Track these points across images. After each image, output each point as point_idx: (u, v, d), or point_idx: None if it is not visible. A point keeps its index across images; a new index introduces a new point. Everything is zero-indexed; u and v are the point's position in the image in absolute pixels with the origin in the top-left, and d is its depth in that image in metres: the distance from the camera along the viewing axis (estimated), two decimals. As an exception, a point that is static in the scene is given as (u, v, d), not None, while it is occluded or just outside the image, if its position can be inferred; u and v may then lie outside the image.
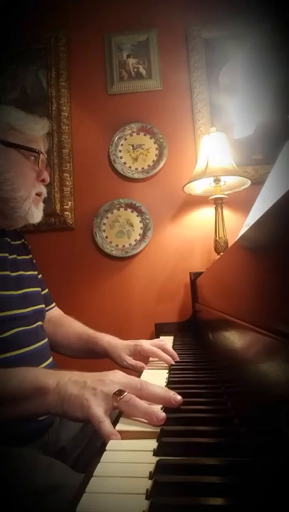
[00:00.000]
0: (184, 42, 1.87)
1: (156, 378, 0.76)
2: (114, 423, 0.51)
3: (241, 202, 1.69)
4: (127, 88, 1.87)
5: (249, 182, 1.60)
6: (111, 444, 0.46)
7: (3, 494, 0.58)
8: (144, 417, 0.51)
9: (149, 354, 0.90)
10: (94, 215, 1.79)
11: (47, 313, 1.03)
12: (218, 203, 1.59)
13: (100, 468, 0.40)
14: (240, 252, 0.51)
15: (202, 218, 1.77)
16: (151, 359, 0.94)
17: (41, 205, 0.91)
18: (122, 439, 0.48)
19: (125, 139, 1.85)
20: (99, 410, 0.51)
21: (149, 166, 1.82)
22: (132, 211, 1.80)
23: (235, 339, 0.54)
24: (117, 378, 0.56)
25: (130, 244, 1.78)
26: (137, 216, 1.80)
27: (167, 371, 0.83)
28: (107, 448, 0.45)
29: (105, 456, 0.43)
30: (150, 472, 0.38)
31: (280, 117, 1.74)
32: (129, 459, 0.42)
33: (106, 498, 0.35)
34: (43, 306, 0.97)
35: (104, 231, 1.80)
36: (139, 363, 0.89)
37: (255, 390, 0.40)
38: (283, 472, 0.30)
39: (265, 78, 1.77)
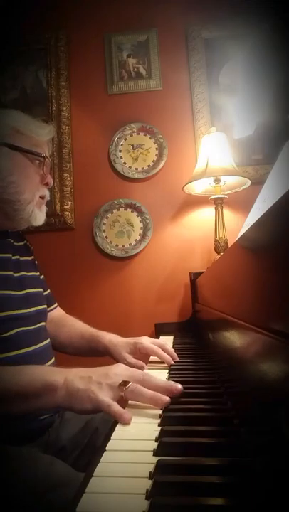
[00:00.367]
0: (184, 42, 1.87)
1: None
2: (111, 429, 0.52)
3: (241, 202, 1.69)
4: (127, 88, 1.87)
5: (249, 182, 1.60)
6: (111, 444, 0.46)
7: (4, 493, 0.58)
8: (150, 402, 0.55)
9: (148, 352, 0.90)
10: (94, 215, 1.79)
11: (49, 313, 1.04)
12: (218, 203, 1.59)
13: (100, 468, 0.40)
14: (240, 252, 0.51)
15: (202, 218, 1.77)
16: (151, 358, 0.94)
17: (44, 208, 0.93)
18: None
19: (125, 139, 1.85)
20: (106, 398, 0.54)
21: (149, 166, 1.82)
22: (132, 211, 1.80)
23: (235, 339, 0.54)
24: (120, 371, 0.59)
25: (130, 244, 1.78)
26: (137, 216, 1.80)
27: (167, 371, 0.83)
28: (107, 448, 0.45)
29: (105, 456, 0.43)
30: (150, 472, 0.38)
31: (280, 117, 1.74)
32: (129, 459, 0.42)
33: (106, 498, 0.35)
34: (45, 306, 0.97)
35: (104, 231, 1.80)
36: (139, 362, 0.89)
37: (255, 390, 0.40)
38: (283, 472, 0.30)
39: (265, 78, 1.77)
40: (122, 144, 1.85)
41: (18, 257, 0.92)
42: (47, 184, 0.91)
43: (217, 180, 1.57)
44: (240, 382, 0.50)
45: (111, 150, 1.83)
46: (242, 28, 1.80)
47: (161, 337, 1.38)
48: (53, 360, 0.91)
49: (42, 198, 0.91)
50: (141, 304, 1.75)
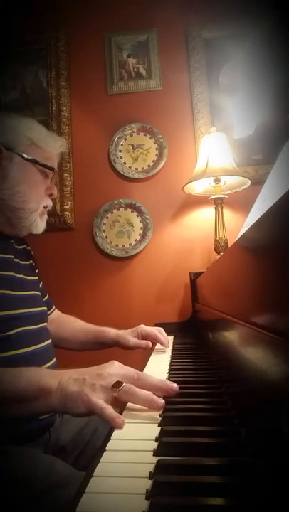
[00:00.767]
0: (184, 42, 1.87)
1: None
2: (111, 429, 0.52)
3: (241, 202, 1.69)
4: (127, 88, 1.87)
5: (249, 182, 1.60)
6: (111, 444, 0.46)
7: (4, 493, 0.58)
8: (144, 404, 0.54)
9: (148, 333, 1.06)
10: (94, 215, 1.79)
11: (49, 316, 1.07)
12: (218, 203, 1.59)
13: (100, 468, 0.40)
14: (240, 252, 0.51)
15: (202, 218, 1.77)
16: (156, 348, 1.09)
17: (45, 217, 0.95)
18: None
19: (125, 139, 1.85)
20: (99, 401, 0.53)
21: (149, 166, 1.82)
22: (132, 211, 1.80)
23: (235, 339, 0.54)
24: (114, 370, 0.58)
25: (130, 244, 1.78)
26: (137, 216, 1.80)
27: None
28: (107, 448, 0.45)
29: (105, 456, 0.43)
30: (150, 472, 0.38)
31: (280, 117, 1.74)
32: (129, 459, 0.42)
33: (106, 498, 0.35)
34: (45, 308, 0.99)
35: (104, 231, 1.80)
36: (144, 341, 1.03)
37: (255, 389, 0.40)
38: (283, 472, 0.30)
39: (265, 78, 1.77)
40: (122, 144, 1.85)
41: (18, 260, 0.94)
42: (51, 195, 0.94)
43: (217, 180, 1.57)
44: (240, 382, 0.50)
45: (111, 150, 1.83)
46: (242, 28, 1.80)
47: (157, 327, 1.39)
48: (54, 360, 0.92)
49: (45, 207, 0.94)
50: (141, 303, 1.75)
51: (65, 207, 1.80)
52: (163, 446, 0.43)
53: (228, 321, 0.60)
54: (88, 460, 0.78)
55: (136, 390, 0.55)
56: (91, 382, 0.56)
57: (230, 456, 0.40)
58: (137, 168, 1.83)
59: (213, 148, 1.56)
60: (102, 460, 0.42)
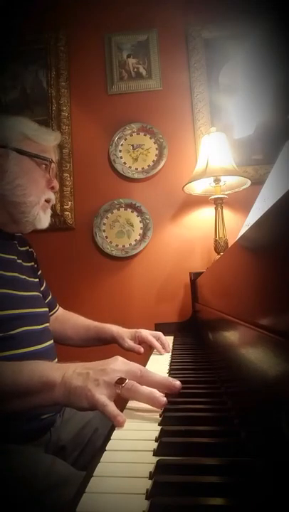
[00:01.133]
0: (184, 42, 1.87)
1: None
2: (111, 429, 0.52)
3: (241, 202, 1.69)
4: (127, 88, 1.87)
5: (249, 182, 1.60)
6: (111, 444, 0.46)
7: (5, 492, 0.58)
8: (146, 402, 0.55)
9: (145, 340, 1.07)
10: (94, 215, 1.79)
11: (54, 315, 1.11)
12: (218, 203, 1.59)
13: (100, 468, 0.40)
14: (240, 252, 0.51)
15: (202, 218, 1.77)
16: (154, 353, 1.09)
17: (49, 211, 0.95)
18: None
19: (125, 139, 1.85)
20: (102, 397, 0.54)
21: (149, 166, 1.82)
22: (132, 211, 1.80)
23: (235, 339, 0.54)
24: (118, 366, 0.59)
25: (130, 244, 1.78)
26: (137, 216, 1.80)
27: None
28: (107, 448, 0.45)
29: (105, 456, 0.43)
30: (150, 472, 0.38)
31: (280, 117, 1.74)
32: (129, 459, 0.42)
33: (106, 498, 0.35)
34: (47, 309, 1.00)
35: (104, 231, 1.80)
36: (137, 346, 1.05)
37: (255, 389, 0.40)
38: (283, 472, 0.30)
39: (265, 78, 1.77)
40: (122, 144, 1.85)
41: (21, 261, 0.94)
42: (52, 188, 0.94)
43: (217, 180, 1.57)
44: (240, 382, 0.50)
45: (111, 150, 1.83)
46: (242, 28, 1.80)
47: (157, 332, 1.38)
48: (56, 361, 0.92)
49: (47, 201, 0.94)
50: (141, 303, 1.75)
51: (65, 207, 1.80)
52: (163, 446, 0.43)
53: (228, 321, 0.60)
54: (88, 460, 0.78)
55: (138, 388, 0.55)
56: (95, 378, 0.56)
57: (230, 456, 0.40)
58: (137, 168, 1.83)
59: (213, 148, 1.56)
60: (102, 460, 0.42)
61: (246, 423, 0.45)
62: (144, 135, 1.85)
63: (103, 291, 1.78)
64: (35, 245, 1.08)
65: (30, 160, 0.89)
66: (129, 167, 1.83)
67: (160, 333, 1.11)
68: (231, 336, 0.57)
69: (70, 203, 1.81)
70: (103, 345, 1.12)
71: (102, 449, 0.45)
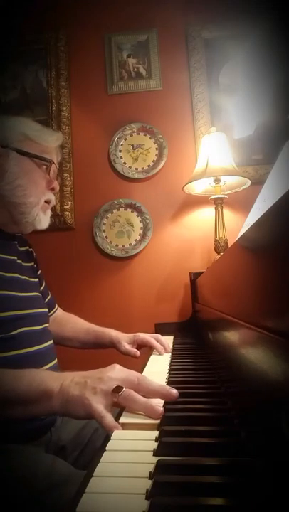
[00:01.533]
0: (184, 42, 1.87)
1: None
2: (117, 418, 0.53)
3: (241, 202, 1.69)
4: (127, 88, 1.87)
5: (249, 182, 1.60)
6: (111, 444, 0.46)
7: (5, 492, 0.58)
8: (143, 411, 0.54)
9: (144, 342, 1.08)
10: (94, 215, 1.79)
11: (53, 315, 1.11)
12: (218, 203, 1.59)
13: (100, 468, 0.40)
14: (240, 252, 0.51)
15: (202, 218, 1.77)
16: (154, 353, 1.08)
17: (49, 212, 0.95)
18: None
19: (125, 139, 1.85)
20: (99, 407, 0.53)
21: (149, 166, 1.82)
22: (132, 211, 1.80)
23: (235, 339, 0.54)
24: (115, 374, 0.58)
25: (130, 244, 1.78)
26: (137, 216, 1.80)
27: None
28: (107, 448, 0.45)
29: (105, 456, 0.43)
30: (150, 472, 0.38)
31: (280, 117, 1.74)
32: (129, 459, 0.42)
33: (106, 498, 0.35)
34: (47, 310, 1.00)
35: (104, 231, 1.80)
36: (133, 350, 1.06)
37: (255, 389, 0.40)
38: (283, 472, 0.30)
39: (265, 78, 1.77)
40: (122, 144, 1.85)
41: (21, 261, 0.94)
42: (53, 189, 0.94)
43: (217, 180, 1.57)
44: (240, 382, 0.50)
45: (111, 150, 1.83)
46: (242, 28, 1.80)
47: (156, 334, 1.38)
48: (55, 361, 0.92)
49: (48, 202, 0.94)
50: (141, 304, 1.75)
51: (65, 207, 1.80)
52: (163, 446, 0.43)
53: (228, 321, 0.60)
54: (88, 460, 0.78)
55: (135, 396, 0.55)
56: (92, 386, 0.56)
57: (230, 456, 0.40)
58: (137, 168, 1.83)
59: (213, 148, 1.56)
60: (102, 460, 0.42)
61: (246, 423, 0.45)
62: (144, 135, 1.85)
63: (103, 291, 1.78)
64: (35, 245, 1.08)
65: (31, 161, 0.89)
66: (129, 167, 1.83)
67: (158, 335, 1.12)
68: (231, 336, 0.57)
69: (70, 203, 1.81)
70: (102, 349, 1.12)
71: (102, 449, 0.45)
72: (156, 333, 1.55)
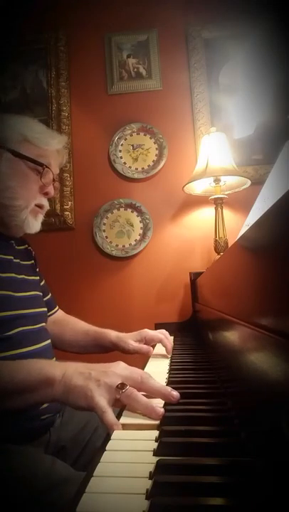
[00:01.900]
0: (184, 42, 1.87)
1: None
2: (118, 417, 0.53)
3: (241, 202, 1.69)
4: (127, 88, 1.87)
5: (249, 182, 1.60)
6: (111, 444, 0.46)
7: (4, 492, 0.58)
8: (143, 411, 0.54)
9: (154, 338, 1.01)
10: (94, 215, 1.79)
11: (52, 316, 1.08)
12: (218, 203, 1.59)
13: (100, 468, 0.40)
14: (240, 252, 0.51)
15: (202, 218, 1.77)
16: (154, 353, 1.03)
17: (40, 217, 0.93)
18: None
19: (125, 139, 1.85)
20: (102, 400, 0.53)
21: (149, 166, 1.82)
22: (132, 211, 1.80)
23: (235, 339, 0.54)
24: (119, 370, 0.58)
25: (130, 244, 1.78)
26: (137, 216, 1.80)
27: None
28: (107, 448, 0.45)
29: (105, 456, 0.43)
30: (150, 472, 0.38)
31: (280, 117, 1.74)
32: (129, 459, 0.42)
33: (106, 498, 0.35)
34: (45, 309, 0.99)
35: (104, 231, 1.80)
36: (144, 346, 0.98)
37: (256, 389, 0.40)
38: (283, 472, 0.30)
39: (265, 78, 1.77)
40: (122, 144, 1.85)
41: (18, 260, 0.94)
42: (46, 194, 0.91)
43: (217, 180, 1.57)
44: (240, 382, 0.50)
45: (111, 150, 1.83)
46: (242, 28, 1.80)
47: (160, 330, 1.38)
48: (53, 360, 0.92)
49: (40, 207, 0.91)
50: (141, 304, 1.75)
51: (65, 207, 1.80)
52: (163, 446, 0.43)
53: (228, 321, 0.60)
54: (88, 460, 0.78)
55: (137, 396, 0.54)
56: (96, 378, 0.56)
57: (230, 456, 0.40)
58: (137, 168, 1.83)
59: (213, 148, 1.56)
60: (102, 460, 0.42)
61: (246, 423, 0.45)
62: (144, 135, 1.85)
63: (103, 291, 1.78)
64: (35, 245, 1.08)
65: (24, 163, 0.87)
66: (129, 167, 1.83)
67: (166, 332, 1.05)
68: (231, 336, 0.57)
69: (70, 203, 1.81)
70: (103, 354, 1.06)
71: (102, 449, 0.45)
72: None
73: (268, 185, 0.87)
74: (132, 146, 1.85)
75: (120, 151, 1.84)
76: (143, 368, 0.90)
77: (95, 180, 1.84)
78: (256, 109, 1.77)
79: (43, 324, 0.94)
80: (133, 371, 0.59)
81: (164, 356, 1.01)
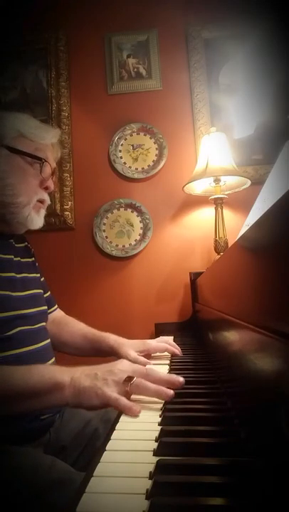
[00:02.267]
0: (184, 42, 1.87)
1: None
2: (117, 418, 0.54)
3: (241, 202, 1.69)
4: (127, 88, 1.87)
5: (249, 182, 1.60)
6: (111, 444, 0.46)
7: (5, 493, 0.58)
8: (154, 395, 0.58)
9: (158, 350, 1.00)
10: (94, 215, 1.79)
11: (50, 315, 1.06)
12: (218, 203, 1.59)
13: (100, 468, 0.40)
14: (240, 252, 0.51)
15: (202, 218, 1.77)
16: (153, 355, 1.03)
17: (43, 212, 0.92)
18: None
19: (125, 139, 1.85)
20: (113, 393, 0.56)
21: (149, 166, 1.82)
22: (132, 211, 1.80)
23: (235, 339, 0.54)
24: (124, 367, 0.62)
25: (130, 244, 1.78)
26: (137, 216, 1.80)
27: (168, 366, 0.88)
28: (107, 448, 0.45)
29: (105, 456, 0.43)
30: (150, 472, 0.38)
31: (280, 117, 1.74)
32: (129, 459, 0.42)
33: (106, 498, 0.35)
34: (46, 307, 0.98)
35: (104, 231, 1.80)
36: (142, 358, 0.94)
37: (255, 389, 0.40)
38: (283, 472, 0.30)
39: (265, 78, 1.77)
40: (122, 144, 1.85)
41: (19, 258, 0.93)
42: (46, 188, 0.91)
43: (217, 180, 1.57)
44: (240, 382, 0.50)
45: (111, 150, 1.83)
46: (242, 28, 1.80)
47: (161, 337, 1.38)
48: (53, 359, 0.92)
49: (41, 202, 0.90)
50: (141, 304, 1.75)
51: (65, 207, 1.80)
52: (163, 446, 0.43)
53: (228, 321, 0.60)
54: (88, 460, 0.78)
55: (146, 383, 0.58)
56: (103, 377, 0.59)
57: (230, 456, 0.40)
58: (137, 168, 1.83)
59: (213, 148, 1.56)
60: (102, 460, 0.42)
61: (246, 423, 0.45)
62: (144, 135, 1.85)
63: (103, 291, 1.78)
64: (35, 245, 1.07)
65: (22, 159, 0.86)
66: (129, 167, 1.83)
67: (167, 339, 1.04)
68: (231, 336, 0.57)
69: (70, 203, 1.81)
70: (102, 357, 0.99)
71: (102, 449, 0.45)
72: (156, 333, 1.55)
73: (267, 185, 0.87)
74: (132, 146, 1.85)
75: (120, 151, 1.84)
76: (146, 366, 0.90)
77: (95, 180, 1.84)
78: (256, 109, 1.77)
79: (43, 323, 0.94)
80: (137, 366, 0.63)
81: (164, 356, 1.02)
